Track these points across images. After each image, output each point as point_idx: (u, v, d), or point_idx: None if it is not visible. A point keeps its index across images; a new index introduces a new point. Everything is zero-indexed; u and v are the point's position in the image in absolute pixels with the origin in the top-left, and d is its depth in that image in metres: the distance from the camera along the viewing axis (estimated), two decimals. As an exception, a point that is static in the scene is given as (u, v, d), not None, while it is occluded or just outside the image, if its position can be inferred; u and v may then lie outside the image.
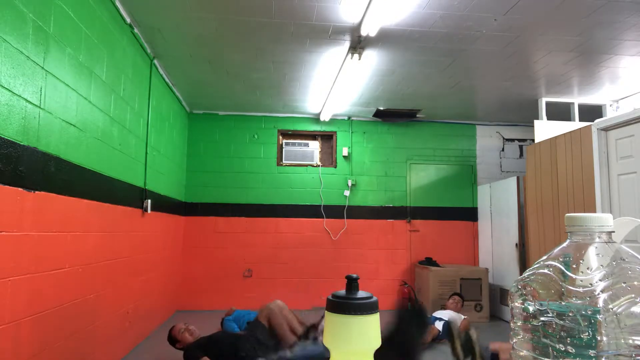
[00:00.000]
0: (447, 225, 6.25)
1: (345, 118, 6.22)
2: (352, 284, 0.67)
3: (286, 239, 5.94)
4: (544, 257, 0.64)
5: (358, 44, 3.77)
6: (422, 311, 3.01)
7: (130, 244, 3.63)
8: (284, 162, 6.10)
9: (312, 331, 3.38)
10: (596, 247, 0.59)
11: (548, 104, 5.15)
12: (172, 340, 3.32)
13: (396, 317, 2.35)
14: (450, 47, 3.83)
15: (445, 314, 4.45)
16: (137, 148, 3.75)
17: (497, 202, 5.75)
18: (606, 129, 3.83)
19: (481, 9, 3.19)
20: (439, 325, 4.19)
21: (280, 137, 6.17)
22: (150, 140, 4.10)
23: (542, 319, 0.58)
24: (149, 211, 3.94)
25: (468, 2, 3.09)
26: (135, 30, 3.55)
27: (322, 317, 3.48)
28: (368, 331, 0.65)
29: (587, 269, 0.58)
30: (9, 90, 1.94)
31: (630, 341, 0.54)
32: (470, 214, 6.31)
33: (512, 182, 5.39)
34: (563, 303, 0.57)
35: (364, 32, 3.43)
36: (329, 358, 0.65)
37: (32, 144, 2.14)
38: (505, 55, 3.99)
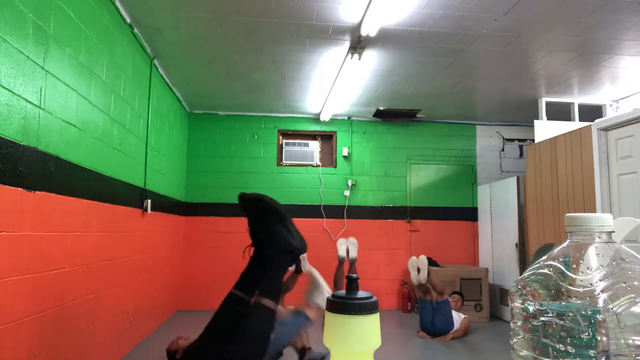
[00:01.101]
0: (447, 225, 6.24)
1: (345, 118, 6.22)
2: (352, 284, 0.67)
3: (286, 239, 5.93)
4: (544, 257, 0.64)
5: (358, 44, 3.77)
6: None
7: (130, 244, 3.63)
8: (284, 162, 6.10)
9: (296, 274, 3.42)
10: (596, 247, 0.59)
11: (548, 104, 5.15)
12: (171, 353, 3.25)
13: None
14: (450, 47, 3.83)
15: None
16: (137, 148, 3.75)
17: (497, 202, 5.75)
18: (606, 129, 3.83)
19: (481, 9, 3.19)
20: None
21: (280, 137, 6.17)
22: (150, 140, 4.10)
23: (542, 319, 0.58)
24: (149, 211, 3.94)
25: (468, 2, 3.09)
26: (135, 30, 3.55)
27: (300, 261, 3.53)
28: (368, 331, 0.65)
29: (587, 269, 0.58)
30: (9, 90, 1.94)
31: (630, 341, 0.54)
32: (470, 214, 6.31)
33: (512, 182, 5.39)
34: (563, 303, 0.57)
35: (364, 32, 3.43)
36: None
37: (32, 144, 2.14)
38: (505, 55, 3.99)
